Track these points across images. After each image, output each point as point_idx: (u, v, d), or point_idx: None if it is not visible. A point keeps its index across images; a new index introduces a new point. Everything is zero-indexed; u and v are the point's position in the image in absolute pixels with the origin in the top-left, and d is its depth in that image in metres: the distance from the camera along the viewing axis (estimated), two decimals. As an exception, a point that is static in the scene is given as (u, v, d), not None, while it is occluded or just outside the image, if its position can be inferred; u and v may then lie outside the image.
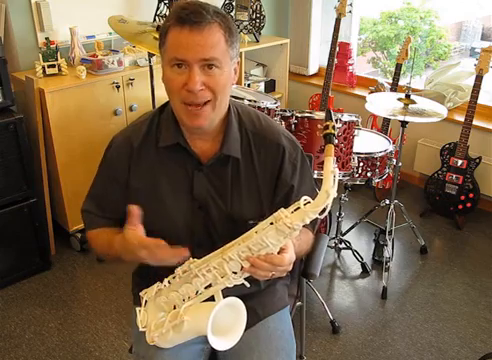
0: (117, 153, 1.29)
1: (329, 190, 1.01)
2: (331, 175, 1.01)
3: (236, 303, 1.17)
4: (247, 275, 1.13)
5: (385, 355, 2.21)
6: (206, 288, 1.16)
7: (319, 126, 2.24)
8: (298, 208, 1.05)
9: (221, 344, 1.15)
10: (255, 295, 1.37)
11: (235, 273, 1.13)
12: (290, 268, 1.15)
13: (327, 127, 1.11)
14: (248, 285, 1.14)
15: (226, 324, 1.17)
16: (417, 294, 2.57)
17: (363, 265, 2.73)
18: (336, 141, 2.28)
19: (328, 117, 1.14)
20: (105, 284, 2.62)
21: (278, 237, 1.08)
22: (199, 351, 1.36)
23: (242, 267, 1.12)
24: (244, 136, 1.28)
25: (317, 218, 1.06)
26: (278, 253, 1.11)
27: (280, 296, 1.47)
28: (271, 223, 1.08)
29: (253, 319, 1.32)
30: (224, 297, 1.16)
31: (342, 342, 2.28)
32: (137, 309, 1.26)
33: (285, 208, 1.31)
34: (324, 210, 1.02)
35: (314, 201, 1.03)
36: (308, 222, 1.05)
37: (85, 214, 1.38)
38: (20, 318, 2.39)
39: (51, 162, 2.64)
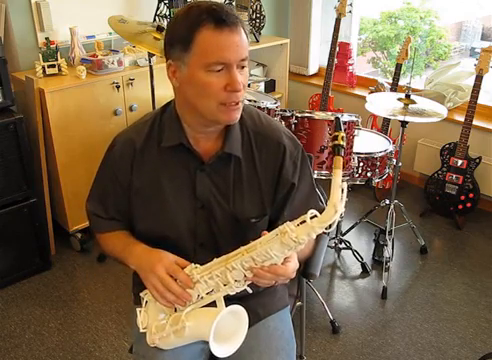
0: (120, 154, 1.29)
1: (337, 205, 0.97)
2: (339, 189, 0.98)
3: (238, 310, 1.17)
4: (249, 282, 1.13)
5: (385, 355, 2.21)
6: (208, 293, 1.16)
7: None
8: (304, 221, 1.03)
9: (222, 351, 1.15)
10: (255, 295, 1.37)
11: (237, 281, 1.13)
12: (293, 276, 1.15)
13: (336, 138, 1.06)
14: (250, 291, 1.14)
15: (227, 330, 1.17)
16: (417, 294, 2.57)
17: (363, 265, 2.73)
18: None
19: (337, 127, 1.09)
20: (105, 284, 2.62)
21: (283, 250, 1.06)
22: (199, 351, 1.36)
23: (245, 275, 1.12)
24: (245, 135, 1.28)
25: None
26: (282, 263, 1.11)
27: (280, 296, 1.47)
28: (276, 235, 1.07)
29: (253, 319, 1.32)
30: (224, 298, 1.16)
31: (342, 342, 2.28)
32: (137, 309, 1.26)
33: (283, 206, 1.31)
34: (331, 225, 1.00)
35: (321, 216, 1.01)
36: (314, 237, 1.03)
37: (91, 216, 1.38)
38: (20, 318, 2.39)
39: (51, 162, 2.64)
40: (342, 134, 1.07)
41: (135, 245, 1.27)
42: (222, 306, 1.15)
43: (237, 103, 1.16)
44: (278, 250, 1.06)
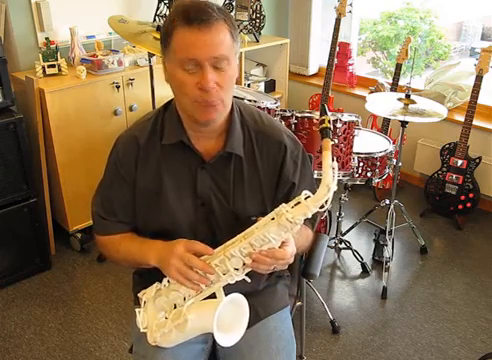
0: (123, 151, 1.29)
1: (329, 184, 1.02)
2: (330, 169, 1.02)
3: (238, 298, 1.17)
4: (249, 270, 1.14)
5: (385, 355, 2.21)
6: (207, 285, 1.17)
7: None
8: (299, 203, 1.07)
9: (226, 340, 1.15)
10: (255, 295, 1.38)
11: (237, 269, 1.13)
12: (292, 260, 1.16)
13: (323, 121, 1.11)
14: (249, 280, 1.15)
15: (229, 320, 1.17)
16: (417, 294, 2.57)
17: (363, 265, 2.73)
18: (336, 141, 2.28)
19: (323, 112, 1.14)
20: (105, 284, 2.62)
21: (280, 232, 1.09)
22: (199, 351, 1.36)
23: (244, 263, 1.13)
24: (246, 134, 1.29)
25: (316, 216, 1.07)
26: (279, 247, 1.12)
27: (280, 296, 1.48)
28: (272, 218, 1.09)
29: (253, 319, 1.32)
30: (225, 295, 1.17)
31: (342, 342, 2.28)
32: (136, 310, 1.26)
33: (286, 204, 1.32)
34: (325, 203, 1.03)
35: (315, 195, 1.05)
36: (310, 216, 1.06)
37: (96, 217, 1.37)
38: (20, 318, 2.39)
39: (51, 162, 2.64)
40: (328, 118, 1.12)
41: (154, 240, 1.27)
42: (222, 296, 1.16)
43: (213, 104, 1.15)
44: (275, 233, 1.09)
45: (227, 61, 1.14)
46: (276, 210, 1.09)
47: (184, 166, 1.27)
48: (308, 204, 1.05)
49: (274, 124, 1.33)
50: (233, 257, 1.12)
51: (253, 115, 1.32)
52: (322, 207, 1.05)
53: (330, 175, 1.02)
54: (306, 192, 1.06)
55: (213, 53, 1.11)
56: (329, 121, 1.11)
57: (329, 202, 1.03)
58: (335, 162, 1.03)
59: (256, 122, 1.31)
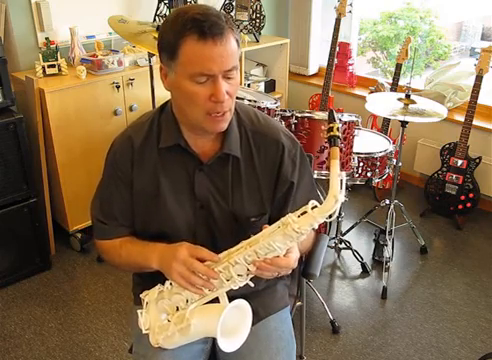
0: (120, 153, 1.29)
1: (337, 195, 1.00)
2: (338, 179, 1.00)
3: (241, 304, 1.17)
4: (252, 276, 1.14)
5: (385, 355, 2.21)
6: (210, 290, 1.17)
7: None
8: (305, 212, 1.05)
9: (229, 345, 1.15)
10: (255, 295, 1.37)
11: (240, 275, 1.13)
12: (295, 266, 1.17)
13: (331, 129, 1.09)
14: (252, 285, 1.15)
15: (232, 325, 1.17)
16: (417, 294, 2.57)
17: (363, 265, 2.73)
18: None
19: (331, 118, 1.11)
20: (105, 284, 2.62)
21: (285, 241, 1.08)
22: (199, 351, 1.36)
23: (248, 270, 1.12)
24: (243, 135, 1.28)
25: None
26: (283, 255, 1.12)
27: (280, 296, 1.48)
28: (278, 227, 1.08)
29: (253, 319, 1.31)
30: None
31: (342, 342, 2.28)
32: (138, 311, 1.26)
33: (285, 205, 1.31)
34: (331, 215, 1.02)
35: (322, 206, 1.03)
36: (316, 227, 1.05)
37: (96, 222, 1.36)
38: (20, 318, 2.39)
39: (51, 162, 2.64)
40: (337, 125, 1.09)
41: (155, 243, 1.26)
42: (225, 301, 1.15)
43: (223, 114, 1.15)
44: (281, 242, 1.08)
45: (236, 70, 1.14)
46: (282, 219, 1.08)
47: (181, 168, 1.27)
48: (315, 215, 1.03)
49: (271, 123, 1.33)
50: (237, 264, 1.12)
51: (249, 115, 1.32)
52: (329, 217, 1.03)
53: (338, 185, 1.00)
54: (313, 202, 1.04)
55: (227, 66, 1.10)
56: (338, 129, 1.08)
57: (336, 213, 1.01)
58: (343, 172, 1.02)
59: (253, 122, 1.30)
